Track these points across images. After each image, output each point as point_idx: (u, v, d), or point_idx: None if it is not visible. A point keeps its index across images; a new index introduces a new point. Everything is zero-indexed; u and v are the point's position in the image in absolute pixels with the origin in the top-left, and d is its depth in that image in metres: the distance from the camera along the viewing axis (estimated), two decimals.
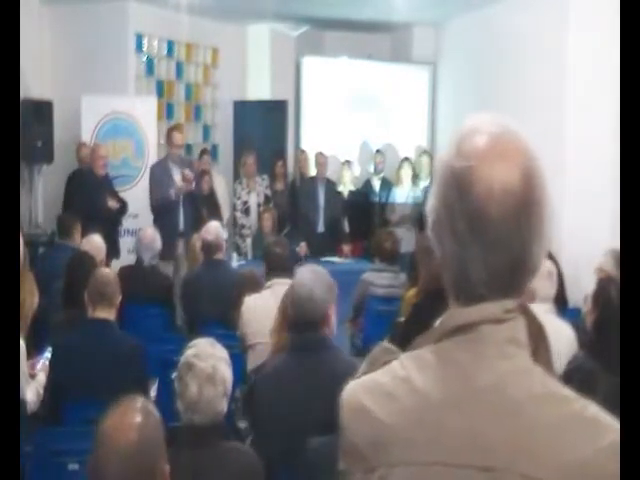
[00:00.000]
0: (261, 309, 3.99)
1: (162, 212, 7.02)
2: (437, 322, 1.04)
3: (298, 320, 2.89)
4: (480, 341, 0.98)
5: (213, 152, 9.38)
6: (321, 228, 8.37)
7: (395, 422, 0.99)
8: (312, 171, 8.84)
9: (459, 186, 0.98)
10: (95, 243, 5.04)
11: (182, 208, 7.13)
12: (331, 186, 8.55)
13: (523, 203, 0.98)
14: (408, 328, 4.14)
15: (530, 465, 0.91)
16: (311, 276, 2.92)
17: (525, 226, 0.97)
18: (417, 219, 8.38)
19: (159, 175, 7.16)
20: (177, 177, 7.13)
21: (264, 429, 2.87)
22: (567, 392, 0.98)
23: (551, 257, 5.35)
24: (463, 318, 0.99)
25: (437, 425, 0.97)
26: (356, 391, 1.05)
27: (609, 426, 0.94)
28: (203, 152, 8.75)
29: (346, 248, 8.29)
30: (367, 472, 1.00)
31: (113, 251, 6.84)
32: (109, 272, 3.75)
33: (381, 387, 1.02)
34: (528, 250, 0.98)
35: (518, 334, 1.00)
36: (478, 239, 0.98)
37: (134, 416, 1.84)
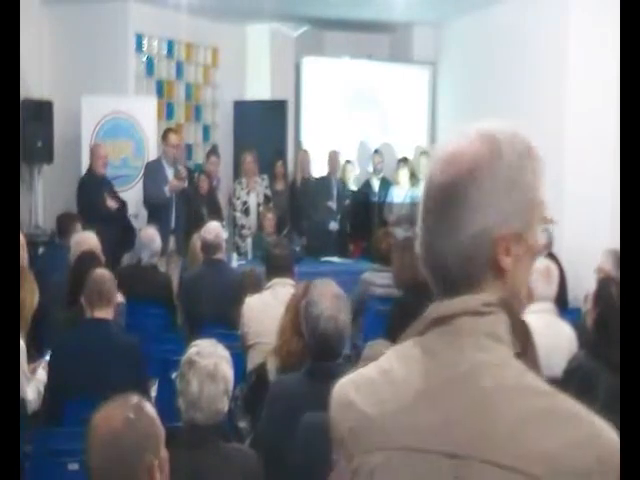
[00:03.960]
0: (261, 309, 4.00)
1: (155, 209, 7.21)
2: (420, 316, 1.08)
3: (319, 350, 2.77)
4: (457, 333, 1.01)
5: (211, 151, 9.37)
6: (334, 226, 8.43)
7: (374, 412, 1.03)
8: (313, 171, 8.87)
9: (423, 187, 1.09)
10: (88, 239, 4.99)
11: (175, 206, 7.26)
12: (342, 184, 8.68)
13: (450, 198, 1.02)
14: (393, 324, 4.17)
15: (494, 454, 0.93)
16: (334, 303, 2.78)
17: (453, 218, 1.02)
18: (415, 219, 8.39)
19: (153, 172, 7.34)
20: (170, 176, 7.31)
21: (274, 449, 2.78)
22: (545, 387, 0.98)
23: (552, 257, 5.36)
24: (441, 310, 1.03)
25: (411, 413, 1.00)
26: (344, 385, 1.10)
27: (584, 421, 0.94)
28: (210, 152, 8.70)
29: (350, 247, 8.34)
30: (349, 460, 1.05)
31: (128, 243, 6.93)
32: (106, 272, 3.75)
33: (366, 380, 1.07)
34: (465, 243, 1.01)
35: (497, 329, 1.01)
36: (425, 231, 1.06)
37: (123, 410, 1.86)
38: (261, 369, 3.42)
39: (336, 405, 1.10)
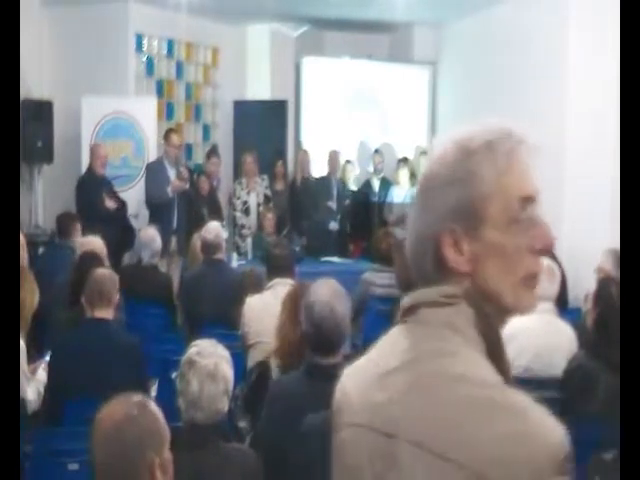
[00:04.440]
0: (262, 309, 4.00)
1: (156, 209, 7.21)
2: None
3: (316, 340, 2.76)
4: (418, 323, 1.06)
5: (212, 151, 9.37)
6: (334, 226, 8.44)
7: (350, 392, 1.11)
8: (313, 171, 8.87)
9: None
10: (93, 242, 5.01)
11: (176, 206, 7.27)
12: (342, 184, 8.69)
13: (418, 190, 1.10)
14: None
15: (428, 439, 0.97)
16: (331, 292, 2.79)
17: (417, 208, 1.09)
18: None
19: (155, 173, 7.34)
20: (172, 176, 7.32)
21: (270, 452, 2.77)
22: (492, 380, 0.99)
23: (553, 257, 5.36)
24: (407, 302, 1.08)
25: (366, 394, 1.07)
26: (345, 372, 1.18)
27: (527, 417, 0.95)
28: (211, 153, 8.68)
29: (350, 247, 8.35)
30: (335, 435, 1.14)
31: (128, 243, 6.94)
32: (106, 272, 3.75)
33: (356, 364, 1.15)
34: (414, 240, 1.08)
35: (456, 320, 1.03)
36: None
37: (127, 406, 1.88)
38: (262, 367, 3.42)
39: (336, 390, 1.18)
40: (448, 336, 1.02)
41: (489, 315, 1.04)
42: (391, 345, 1.08)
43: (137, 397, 1.93)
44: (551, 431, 0.94)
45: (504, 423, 0.94)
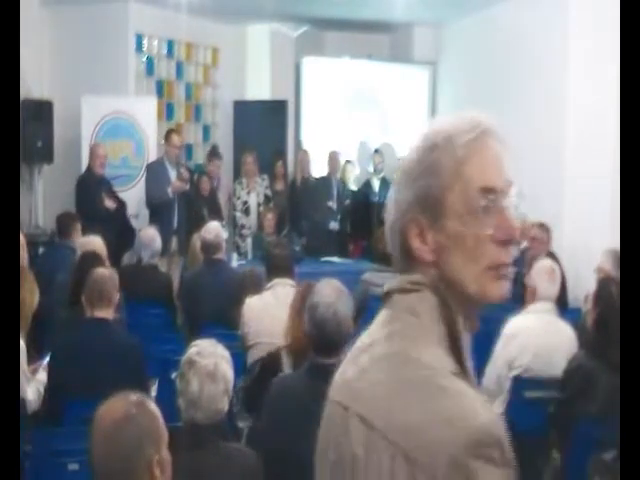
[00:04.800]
0: (262, 310, 4.00)
1: (157, 209, 7.21)
2: None
3: (319, 340, 2.77)
4: (389, 307, 1.11)
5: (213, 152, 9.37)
6: (334, 226, 8.44)
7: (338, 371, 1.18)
8: (313, 170, 8.87)
9: None
10: (93, 242, 5.01)
11: (177, 206, 7.27)
12: (342, 184, 8.69)
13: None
14: None
15: (369, 414, 1.03)
16: (334, 293, 2.80)
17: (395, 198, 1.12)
18: None
19: (155, 173, 7.34)
20: (173, 176, 7.32)
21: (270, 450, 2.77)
22: (431, 363, 1.03)
23: (554, 257, 5.35)
24: (385, 288, 1.14)
25: (344, 371, 1.14)
26: None
27: (459, 400, 0.98)
28: (212, 155, 8.62)
29: (350, 247, 8.35)
30: None
31: (129, 243, 6.93)
32: (106, 271, 3.75)
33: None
34: (387, 231, 1.13)
35: (417, 305, 1.07)
36: None
37: (125, 405, 1.88)
38: (270, 358, 3.40)
39: None
40: (405, 320, 1.07)
41: (450, 304, 1.07)
42: (374, 325, 1.14)
43: (135, 396, 1.94)
44: (478, 415, 0.96)
45: (434, 405, 0.97)
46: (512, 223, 1.07)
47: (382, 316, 1.14)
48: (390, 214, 1.12)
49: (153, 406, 1.95)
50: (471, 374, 1.07)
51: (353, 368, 1.11)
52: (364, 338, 1.14)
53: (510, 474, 0.97)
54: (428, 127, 1.12)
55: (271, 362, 3.33)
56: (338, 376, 1.16)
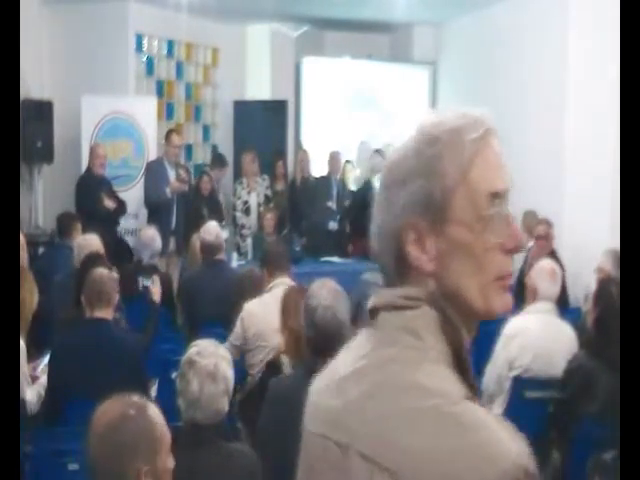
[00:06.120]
0: (262, 313, 3.99)
1: (156, 209, 7.21)
2: None
3: (317, 342, 2.75)
4: (376, 327, 0.99)
5: (213, 152, 9.37)
6: (333, 226, 8.44)
7: (311, 397, 1.08)
8: (313, 170, 8.87)
9: None
10: (91, 241, 5.00)
11: (175, 207, 7.28)
12: (342, 184, 8.69)
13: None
14: None
15: (373, 450, 0.91)
16: (332, 295, 2.79)
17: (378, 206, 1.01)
18: None
19: (154, 173, 7.34)
20: (172, 176, 7.31)
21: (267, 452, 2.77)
22: (439, 389, 0.91)
23: (555, 257, 5.35)
24: (371, 304, 1.02)
25: (325, 400, 1.01)
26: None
27: (470, 431, 0.87)
28: (218, 161, 8.59)
29: (350, 247, 8.34)
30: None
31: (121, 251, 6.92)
32: (105, 272, 3.74)
33: (324, 369, 1.09)
34: (374, 237, 1.01)
35: (414, 324, 0.95)
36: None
37: (124, 405, 1.87)
38: (268, 372, 3.40)
39: None
40: (403, 341, 0.95)
41: (453, 320, 0.96)
42: (353, 349, 1.02)
43: (137, 398, 1.92)
44: (508, 450, 0.86)
45: (456, 439, 0.86)
46: (519, 231, 0.99)
47: (366, 338, 1.01)
48: (379, 216, 1.00)
49: (154, 411, 1.91)
50: (477, 394, 0.97)
51: (340, 399, 0.97)
52: (343, 364, 1.01)
53: None
54: (425, 119, 1.00)
55: (271, 372, 3.31)
56: (315, 406, 1.04)
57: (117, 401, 1.89)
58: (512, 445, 0.87)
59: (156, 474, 1.84)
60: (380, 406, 0.92)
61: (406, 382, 0.92)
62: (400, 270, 0.98)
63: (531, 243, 5.94)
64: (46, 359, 3.78)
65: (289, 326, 3.28)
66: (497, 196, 0.95)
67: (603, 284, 3.60)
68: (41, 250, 6.86)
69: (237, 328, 4.08)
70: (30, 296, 4.25)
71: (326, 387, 1.03)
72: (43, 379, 3.64)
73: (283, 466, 2.62)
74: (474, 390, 0.94)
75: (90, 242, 4.92)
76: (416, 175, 0.95)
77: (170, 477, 1.90)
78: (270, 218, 7.72)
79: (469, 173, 0.95)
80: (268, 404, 2.81)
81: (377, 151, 9.15)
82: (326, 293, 2.79)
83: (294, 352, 3.21)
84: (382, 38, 10.14)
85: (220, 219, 7.23)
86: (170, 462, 1.90)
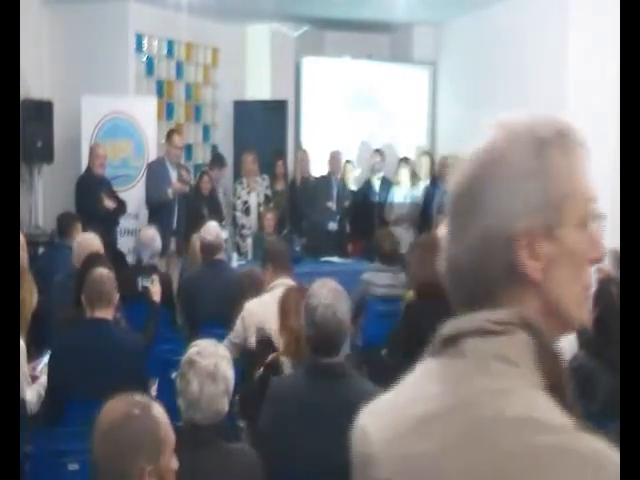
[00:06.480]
0: (261, 312, 3.99)
1: (157, 209, 7.22)
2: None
3: (318, 341, 2.76)
4: (463, 355, 0.90)
5: (213, 152, 9.37)
6: (332, 226, 8.44)
7: (376, 438, 0.94)
8: (313, 170, 8.87)
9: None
10: (90, 240, 4.99)
11: (176, 207, 7.29)
12: (342, 184, 8.69)
13: (463, 197, 0.93)
14: (401, 329, 4.15)
15: None
16: (332, 294, 2.79)
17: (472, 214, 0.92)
18: (415, 219, 8.44)
19: (156, 172, 7.33)
20: (173, 177, 7.32)
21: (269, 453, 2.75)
22: (558, 423, 0.83)
23: None
24: (448, 330, 0.92)
25: (407, 444, 0.89)
26: (363, 413, 1.00)
27: (600, 468, 0.80)
28: (217, 161, 8.59)
29: (350, 247, 8.34)
30: None
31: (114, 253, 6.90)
32: (105, 272, 3.75)
33: (378, 404, 0.98)
34: (476, 245, 0.91)
35: (509, 351, 0.88)
36: (447, 240, 0.95)
37: (128, 405, 1.87)
38: (268, 370, 3.41)
39: (354, 429, 1.00)
40: (501, 371, 0.86)
41: (551, 345, 0.89)
42: (427, 383, 0.91)
43: (143, 398, 1.92)
44: None
45: (578, 476, 0.79)
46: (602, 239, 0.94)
47: (445, 368, 0.91)
48: (473, 225, 0.91)
49: (159, 410, 1.91)
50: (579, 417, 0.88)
51: (425, 442, 0.86)
52: (420, 401, 0.90)
53: None
54: (514, 118, 0.94)
55: (271, 371, 3.32)
56: (390, 450, 0.91)
57: (121, 400, 1.89)
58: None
59: (160, 474, 1.85)
60: (490, 446, 0.83)
61: (516, 416, 0.83)
62: (506, 279, 0.90)
63: None
64: (45, 359, 3.78)
65: (289, 326, 3.29)
66: (592, 202, 0.93)
67: (603, 284, 3.59)
68: (41, 250, 6.86)
69: (237, 326, 4.08)
70: (29, 296, 4.26)
71: (402, 428, 0.90)
72: (43, 379, 3.64)
73: (283, 465, 2.64)
74: (576, 417, 0.87)
75: (90, 241, 4.92)
76: (529, 176, 0.90)
77: (174, 477, 1.90)
78: (270, 218, 7.72)
79: (576, 177, 0.92)
80: (268, 403, 2.82)
81: (377, 151, 9.17)
82: (326, 292, 2.80)
83: (294, 352, 3.22)
84: (382, 38, 10.14)
85: (220, 219, 7.23)
86: (174, 462, 1.90)
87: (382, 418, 0.95)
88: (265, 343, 3.51)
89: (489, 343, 0.88)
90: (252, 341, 4.00)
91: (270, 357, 3.42)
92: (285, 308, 3.36)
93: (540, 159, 0.90)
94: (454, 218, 0.94)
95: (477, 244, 0.90)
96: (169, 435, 1.90)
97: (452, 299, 0.95)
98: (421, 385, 0.93)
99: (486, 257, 0.90)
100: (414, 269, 4.41)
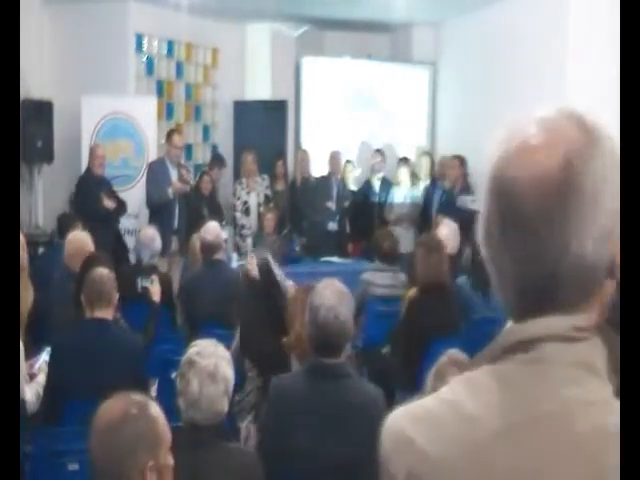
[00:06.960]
0: None
1: (157, 209, 7.22)
2: (494, 340, 0.90)
3: (320, 342, 2.76)
4: (543, 362, 0.84)
5: (213, 152, 9.37)
6: (332, 226, 8.44)
7: (438, 452, 0.85)
8: (313, 170, 8.87)
9: (491, 189, 0.90)
10: (80, 239, 4.98)
11: (177, 207, 7.30)
12: (342, 184, 8.69)
13: (550, 196, 0.85)
14: (402, 326, 4.15)
15: None
16: (336, 296, 2.79)
17: (556, 220, 0.85)
18: (415, 219, 8.45)
19: (156, 172, 7.33)
20: (174, 177, 7.32)
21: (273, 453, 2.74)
22: None
23: None
24: (525, 333, 0.86)
25: (489, 458, 0.83)
26: (399, 419, 0.91)
27: None
28: (218, 163, 8.61)
29: (349, 247, 8.34)
30: None
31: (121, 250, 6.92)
32: (105, 272, 3.74)
33: (427, 414, 0.89)
34: (589, 249, 0.86)
35: (592, 359, 0.85)
36: (508, 240, 0.87)
37: (126, 404, 1.88)
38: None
39: (389, 441, 0.91)
40: (587, 380, 0.83)
41: (617, 352, 0.88)
42: (496, 391, 0.85)
43: (139, 397, 1.93)
44: None
45: None
46: None
47: (520, 375, 0.84)
48: (599, 223, 0.87)
49: (155, 409, 1.92)
50: None
51: (510, 455, 0.81)
52: (493, 409, 0.83)
53: None
54: (572, 113, 0.91)
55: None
56: (461, 464, 0.83)
57: (119, 400, 1.90)
58: None
59: (159, 470, 1.86)
60: (600, 462, 0.79)
61: (616, 426, 0.80)
62: (591, 291, 0.87)
63: None
64: (43, 356, 3.78)
65: (295, 327, 3.28)
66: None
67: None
68: (41, 250, 6.86)
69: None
70: (25, 293, 4.25)
71: (473, 440, 0.83)
72: (41, 377, 3.64)
73: (284, 464, 2.64)
74: None
75: (81, 240, 4.90)
76: (607, 179, 0.90)
77: (171, 473, 1.91)
78: (270, 218, 7.71)
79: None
80: (270, 402, 2.82)
81: (377, 151, 9.17)
82: (330, 293, 2.79)
83: (299, 352, 3.21)
84: (382, 38, 10.14)
85: (220, 219, 7.23)
86: (170, 459, 1.92)
87: (439, 429, 0.87)
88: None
89: (571, 350, 0.84)
90: None
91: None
92: (291, 308, 3.36)
93: (617, 159, 0.95)
94: (532, 224, 0.85)
95: (590, 247, 0.86)
96: (166, 433, 1.91)
97: (515, 305, 0.89)
98: (488, 393, 0.86)
99: (596, 260, 0.87)
100: (419, 268, 4.40)
